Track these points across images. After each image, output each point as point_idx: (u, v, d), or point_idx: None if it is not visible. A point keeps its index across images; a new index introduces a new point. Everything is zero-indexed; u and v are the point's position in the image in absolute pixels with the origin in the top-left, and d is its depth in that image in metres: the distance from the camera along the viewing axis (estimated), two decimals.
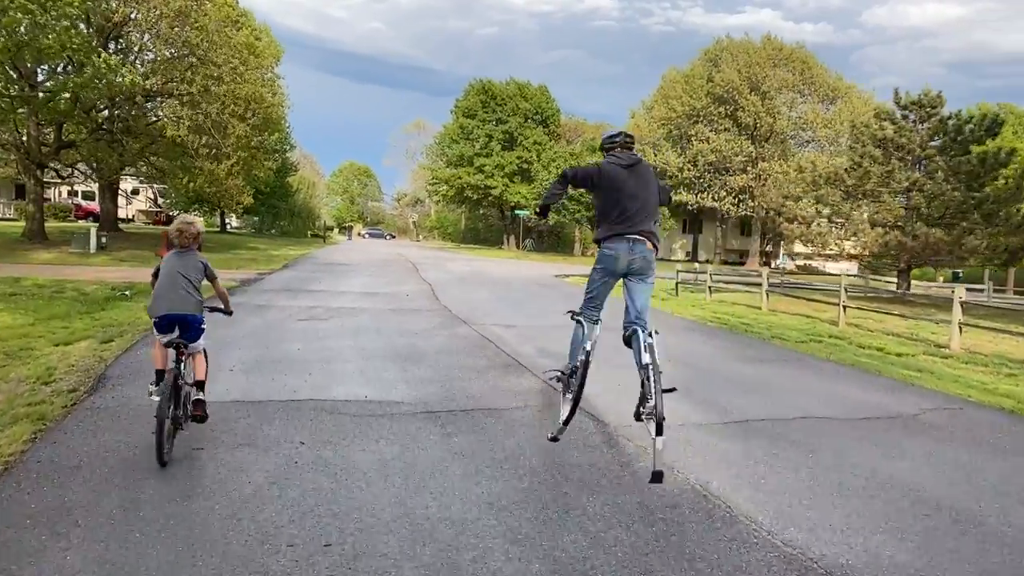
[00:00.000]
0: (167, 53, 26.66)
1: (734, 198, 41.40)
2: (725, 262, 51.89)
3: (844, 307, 13.54)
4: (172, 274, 4.49)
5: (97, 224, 33.42)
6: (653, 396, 4.12)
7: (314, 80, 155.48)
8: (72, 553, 3.03)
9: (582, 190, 5.52)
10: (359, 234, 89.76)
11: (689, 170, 41.44)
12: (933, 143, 16.72)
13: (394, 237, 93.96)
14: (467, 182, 51.30)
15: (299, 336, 8.78)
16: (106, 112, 25.89)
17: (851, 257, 17.94)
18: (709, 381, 7.39)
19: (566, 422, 4.74)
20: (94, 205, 54.92)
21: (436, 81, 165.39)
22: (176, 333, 4.43)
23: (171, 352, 4.43)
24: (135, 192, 59.91)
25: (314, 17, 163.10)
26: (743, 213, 42.37)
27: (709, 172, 41.71)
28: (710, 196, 41.79)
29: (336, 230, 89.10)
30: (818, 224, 18.88)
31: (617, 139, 4.81)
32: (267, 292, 13.77)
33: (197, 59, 25.28)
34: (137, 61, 26.40)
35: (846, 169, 17.98)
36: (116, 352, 7.72)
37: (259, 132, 31.50)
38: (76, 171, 32.10)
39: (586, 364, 4.64)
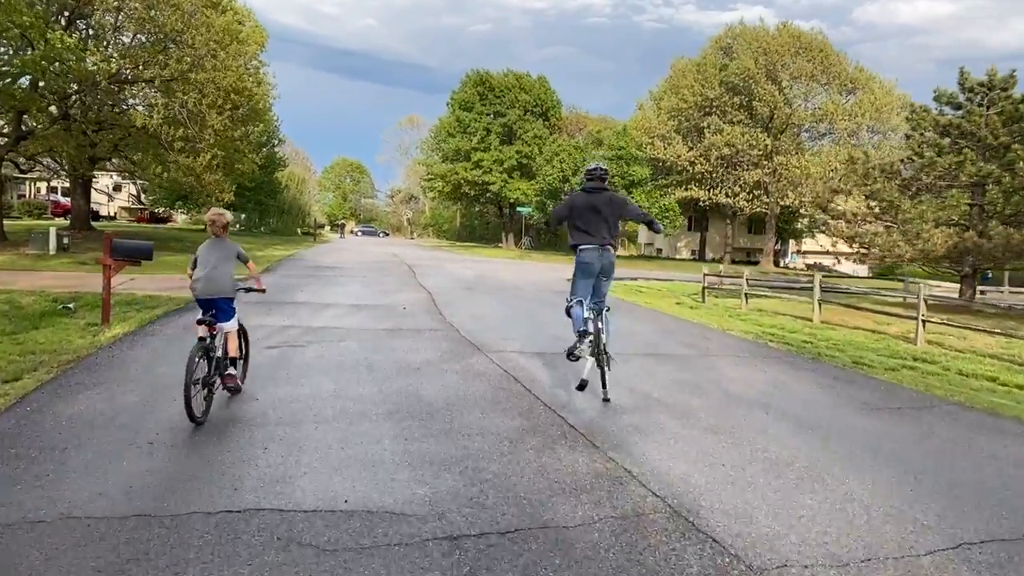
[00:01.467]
0: (142, 37, 24.41)
1: (748, 194, 39.19)
2: (735, 261, 49.75)
3: (924, 321, 11.40)
4: (207, 261, 5.29)
5: (68, 222, 31.20)
6: (604, 353, 6.17)
7: (306, 77, 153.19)
8: None
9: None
10: (352, 232, 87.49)
11: (701, 164, 39.18)
12: (1003, 129, 14.56)
13: (387, 235, 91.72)
14: (464, 178, 49.07)
15: (262, 375, 6.57)
16: (74, 99, 23.55)
17: (925, 258, 15.65)
18: (842, 450, 5.19)
19: (590, 368, 6.29)
20: (69, 202, 52.58)
21: (429, 78, 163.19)
22: (211, 311, 5.25)
23: (206, 328, 5.18)
24: (117, 188, 57.45)
25: (306, 13, 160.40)
26: (757, 210, 40.18)
27: (722, 166, 39.45)
28: (723, 192, 39.55)
29: (327, 228, 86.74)
30: (866, 221, 16.68)
31: (595, 172, 6.39)
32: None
33: (172, 42, 23.01)
34: (110, 46, 24.11)
35: (903, 160, 15.87)
36: (11, 400, 5.55)
37: (242, 124, 29.14)
38: (40, 165, 29.69)
39: (597, 329, 6.16)
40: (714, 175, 39.53)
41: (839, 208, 17.43)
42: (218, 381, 5.31)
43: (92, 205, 55.21)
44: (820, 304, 14.35)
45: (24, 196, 45.32)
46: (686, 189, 39.67)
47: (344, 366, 7.16)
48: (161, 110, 21.53)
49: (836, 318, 14.81)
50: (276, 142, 49.55)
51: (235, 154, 29.84)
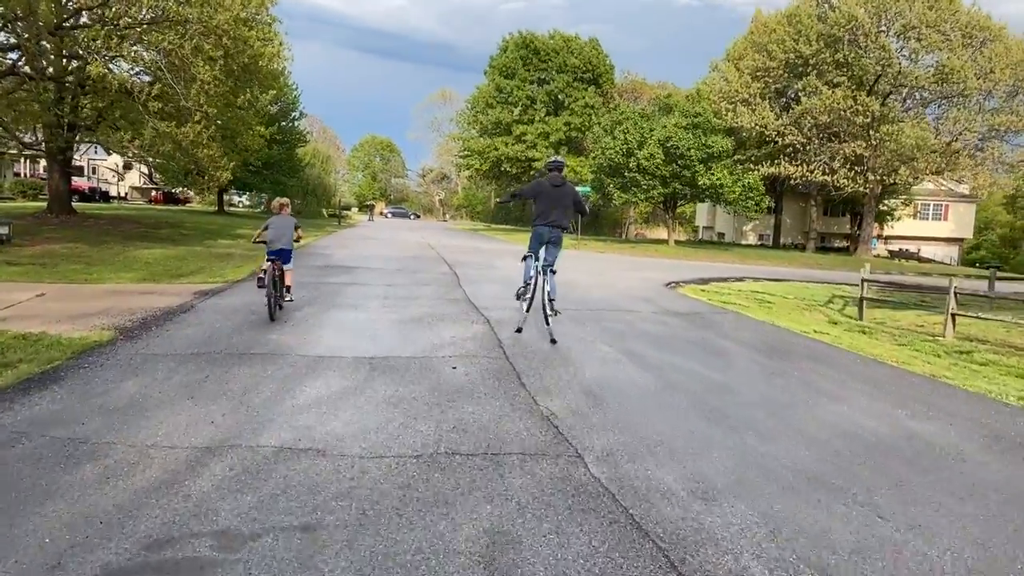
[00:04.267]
0: None
1: (849, 169, 32.80)
2: (818, 248, 43.59)
3: None
4: (278, 228, 8.76)
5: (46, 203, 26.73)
6: (546, 306, 8.08)
7: (342, 57, 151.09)
8: None
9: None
10: (381, 213, 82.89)
11: (792, 134, 32.88)
12: None
13: (418, 217, 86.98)
14: (504, 153, 43.56)
15: None
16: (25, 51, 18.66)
17: None
18: None
19: (526, 313, 8.45)
20: (80, 181, 48.50)
21: (460, 57, 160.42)
22: (279, 256, 8.61)
23: (271, 264, 8.39)
24: (127, 167, 53.26)
25: None
26: (859, 189, 33.67)
27: (818, 137, 33.13)
28: (819, 168, 33.20)
29: (356, 209, 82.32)
30: None
31: (555, 164, 8.48)
32: (152, 364, 6.41)
33: None
34: None
35: None
36: None
37: (245, 87, 24.06)
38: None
39: (536, 278, 8.31)
40: (808, 147, 33.20)
41: None
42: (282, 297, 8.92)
43: (101, 185, 51.23)
44: None
45: (19, 175, 41.15)
46: (772, 164, 33.52)
47: None
48: (128, 56, 16.44)
49: None
50: (296, 115, 44.57)
51: (238, 124, 24.87)
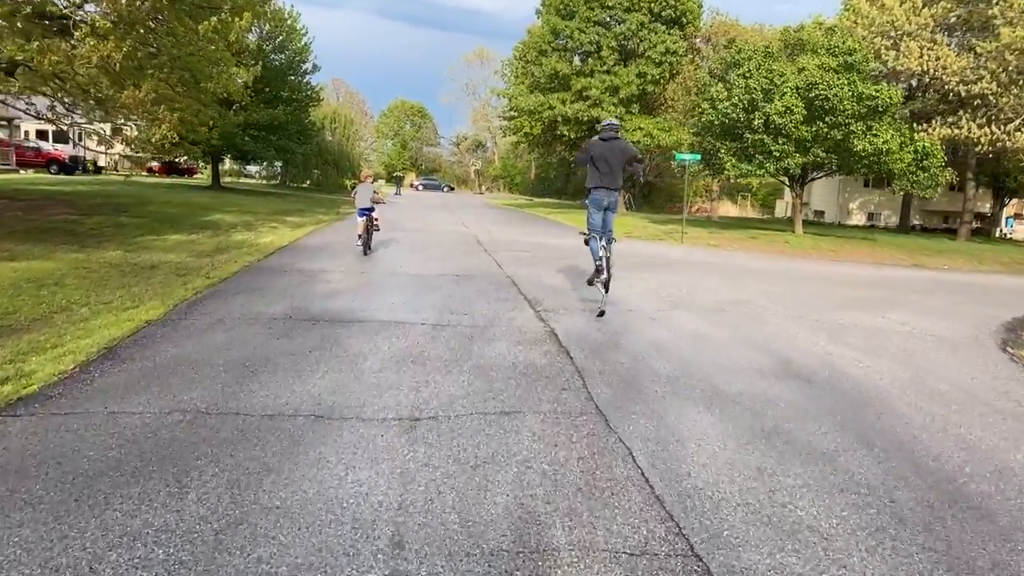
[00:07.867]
0: None
1: None
2: (975, 232, 34.68)
3: None
4: (363, 193, 12.61)
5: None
6: (607, 272, 7.96)
7: (367, 25, 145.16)
8: None
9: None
10: (411, 185, 75.11)
11: (984, 81, 23.92)
12: None
13: (452, 189, 78.97)
14: (561, 113, 35.17)
15: None
16: None
17: None
18: None
19: (605, 295, 8.08)
20: (61, 149, 41.67)
21: (492, 23, 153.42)
22: (366, 213, 12.49)
23: (363, 219, 12.47)
24: (116, 131, 46.12)
25: None
26: None
27: (1018, 84, 24.12)
28: (1022, 129, 24.16)
29: (383, 181, 74.54)
30: None
31: (607, 127, 7.99)
32: None
33: None
34: None
35: None
36: None
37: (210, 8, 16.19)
38: None
39: (607, 259, 8.01)
40: (1002, 99, 24.21)
41: None
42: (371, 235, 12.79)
43: (87, 154, 44.15)
44: None
45: None
46: (946, 123, 24.71)
47: None
48: None
49: None
50: (308, 68, 36.70)
51: (201, 62, 17.04)
